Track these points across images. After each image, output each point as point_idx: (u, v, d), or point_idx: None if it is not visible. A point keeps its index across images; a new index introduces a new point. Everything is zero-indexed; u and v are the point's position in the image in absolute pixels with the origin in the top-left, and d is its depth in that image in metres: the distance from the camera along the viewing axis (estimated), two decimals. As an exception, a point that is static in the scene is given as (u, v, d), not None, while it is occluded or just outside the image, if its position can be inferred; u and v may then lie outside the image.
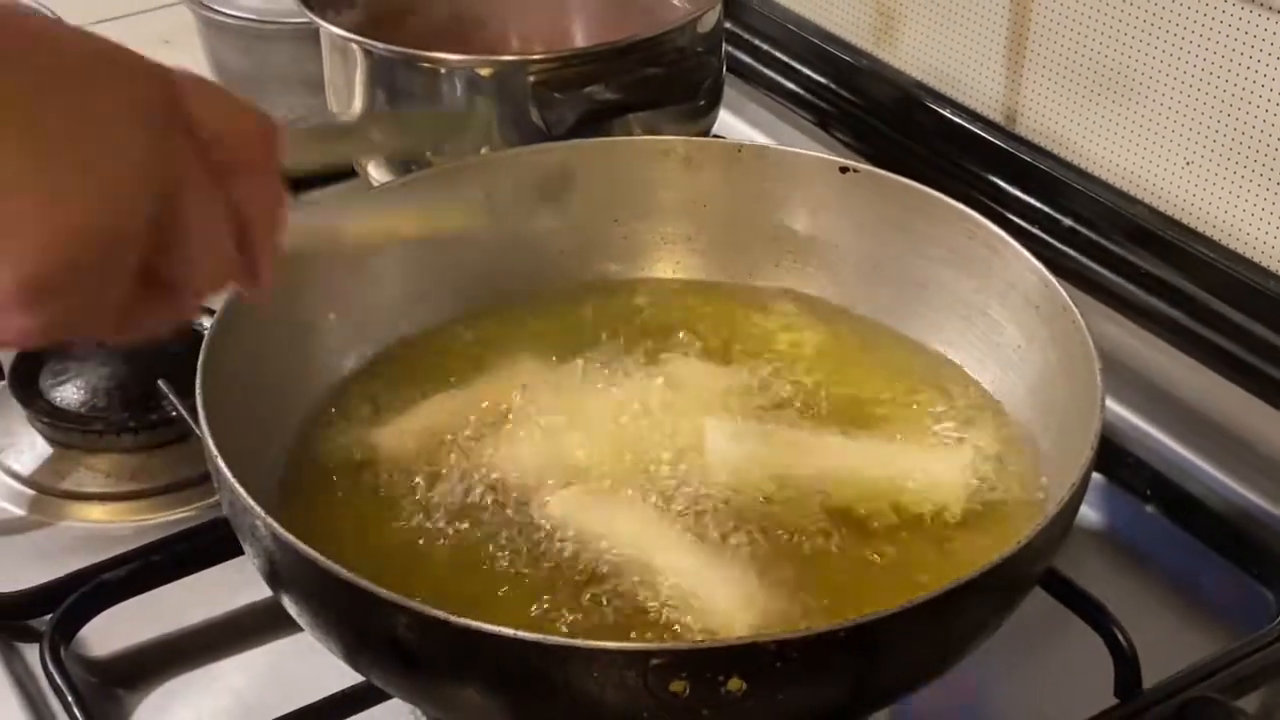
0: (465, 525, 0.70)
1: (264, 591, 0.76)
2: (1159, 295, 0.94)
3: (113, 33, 1.42)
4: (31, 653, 0.74)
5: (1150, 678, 0.70)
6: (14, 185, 0.50)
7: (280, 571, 0.62)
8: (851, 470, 0.73)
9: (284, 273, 0.73)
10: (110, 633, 0.77)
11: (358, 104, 0.97)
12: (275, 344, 0.75)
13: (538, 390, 0.77)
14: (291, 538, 0.59)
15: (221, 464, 0.62)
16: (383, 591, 0.58)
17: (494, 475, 0.73)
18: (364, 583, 0.58)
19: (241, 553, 0.76)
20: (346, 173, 1.05)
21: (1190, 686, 0.70)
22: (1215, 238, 0.92)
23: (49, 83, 0.53)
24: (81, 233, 0.52)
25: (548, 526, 0.70)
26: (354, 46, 0.95)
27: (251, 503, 0.60)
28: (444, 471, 0.73)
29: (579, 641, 0.60)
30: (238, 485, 0.61)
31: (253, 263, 0.60)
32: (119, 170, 0.53)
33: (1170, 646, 0.73)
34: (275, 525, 0.60)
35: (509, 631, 0.57)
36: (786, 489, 0.71)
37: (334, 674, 0.69)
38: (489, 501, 0.72)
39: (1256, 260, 0.90)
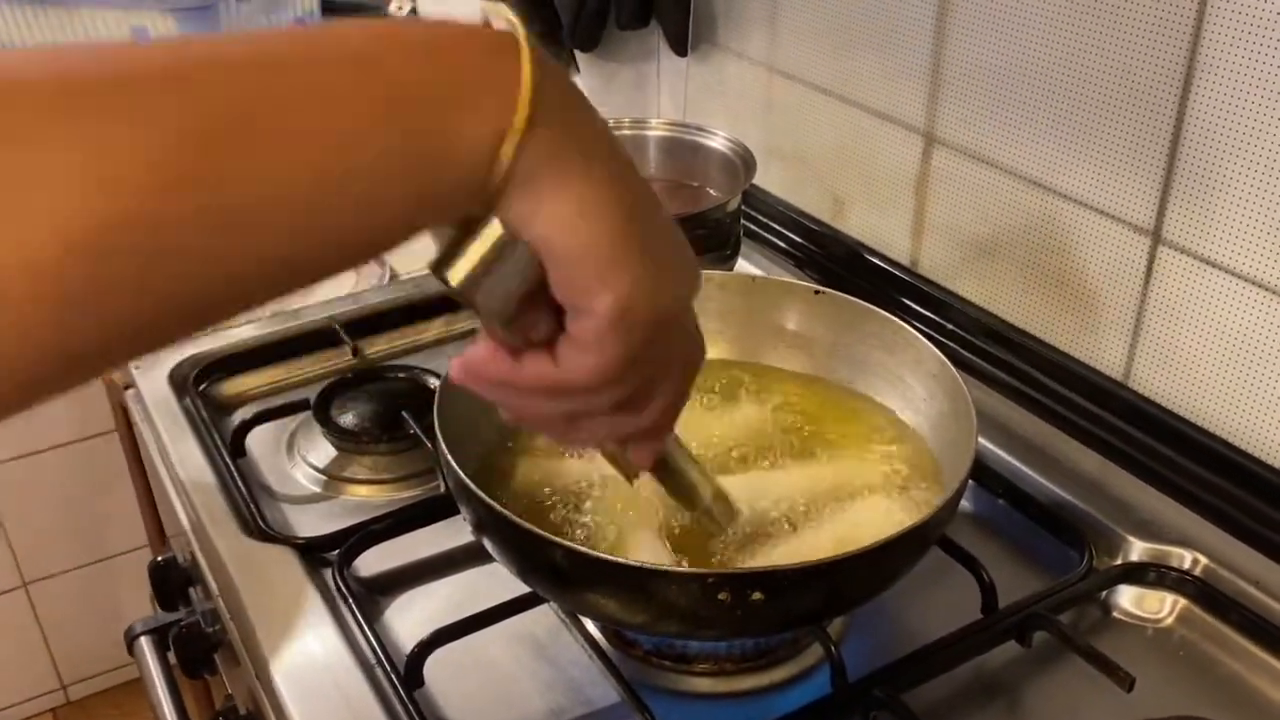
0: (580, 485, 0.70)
1: (463, 538, 0.78)
2: (1006, 371, 0.93)
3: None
4: (327, 572, 0.75)
5: (1003, 602, 0.71)
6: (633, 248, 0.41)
7: (483, 522, 0.63)
8: (819, 474, 0.73)
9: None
10: (373, 562, 0.78)
11: None
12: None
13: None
14: (491, 500, 0.60)
15: (449, 457, 0.63)
16: (547, 534, 0.59)
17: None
18: (535, 528, 0.59)
19: (448, 515, 0.78)
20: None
21: (1028, 607, 0.70)
22: (1036, 335, 0.92)
23: None
24: (651, 317, 0.42)
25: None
26: None
27: (466, 479, 0.61)
28: (572, 456, 0.73)
29: (665, 566, 0.61)
30: (459, 470, 0.62)
31: (652, 440, 0.53)
32: (678, 300, 0.45)
33: (1014, 585, 0.73)
34: (481, 493, 0.61)
35: (621, 559, 0.58)
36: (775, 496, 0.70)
37: (507, 589, 0.69)
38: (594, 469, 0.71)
39: (1060, 348, 0.90)
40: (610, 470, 0.57)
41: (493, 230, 0.40)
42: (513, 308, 0.42)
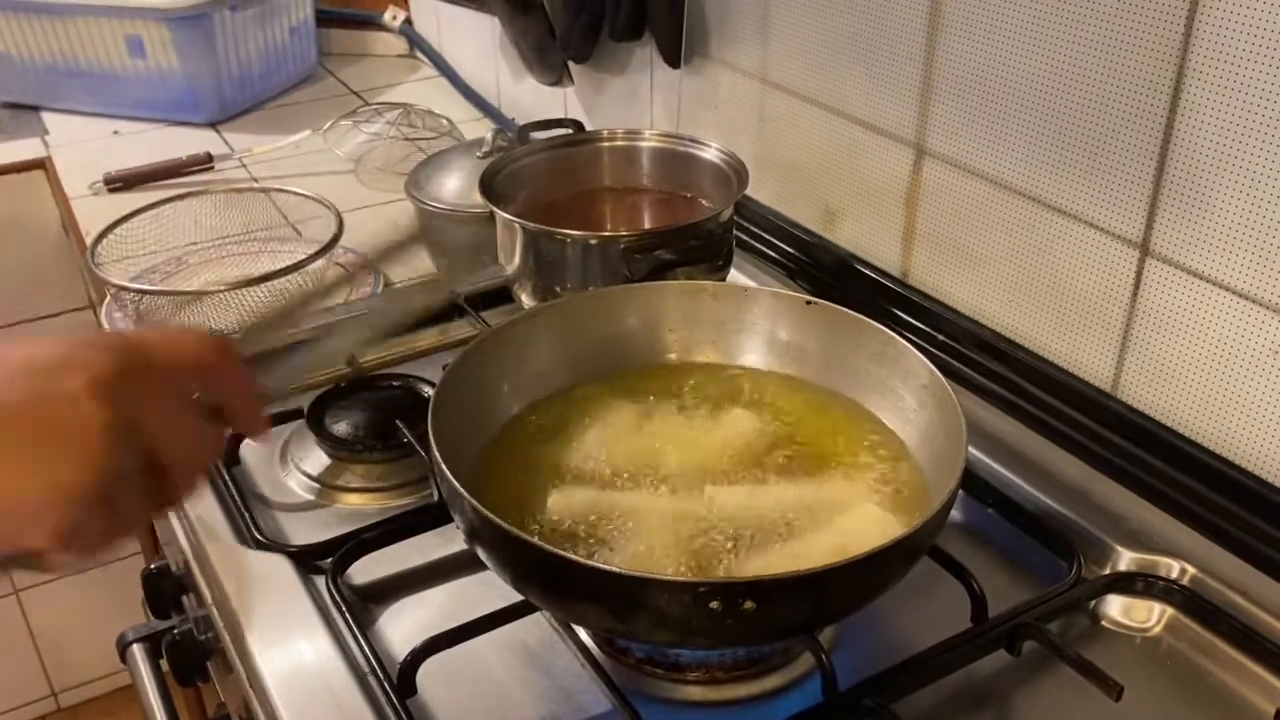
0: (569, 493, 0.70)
1: (456, 547, 0.78)
2: (996, 381, 0.94)
3: (362, 218, 1.43)
4: (320, 580, 0.76)
5: (992, 611, 0.71)
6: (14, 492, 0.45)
7: (476, 530, 0.63)
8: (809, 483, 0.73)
9: (481, 364, 0.75)
10: (366, 570, 0.78)
11: (516, 261, 0.97)
12: (471, 399, 0.76)
13: (623, 425, 0.77)
14: (484, 509, 0.60)
15: (444, 466, 0.64)
16: (539, 542, 0.59)
17: (604, 469, 0.73)
18: (529, 538, 0.59)
19: (441, 524, 0.78)
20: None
21: (1017, 616, 0.70)
22: (1026, 346, 0.93)
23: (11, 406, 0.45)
24: (76, 499, 0.46)
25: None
26: (516, 225, 0.95)
27: (461, 489, 0.62)
28: (566, 464, 0.74)
29: (656, 574, 0.61)
30: (452, 479, 0.63)
31: (247, 425, 0.55)
32: (85, 451, 0.46)
33: (1004, 594, 0.73)
34: (475, 502, 0.61)
35: (614, 568, 0.59)
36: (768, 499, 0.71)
37: (499, 598, 0.70)
38: (599, 480, 0.72)
39: (1049, 358, 0.91)
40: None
41: None
42: None
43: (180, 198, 1.29)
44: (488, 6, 1.43)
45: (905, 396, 0.76)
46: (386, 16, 1.90)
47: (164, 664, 0.86)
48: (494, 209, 0.95)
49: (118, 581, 1.78)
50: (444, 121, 1.52)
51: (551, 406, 0.80)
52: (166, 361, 0.50)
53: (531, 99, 1.55)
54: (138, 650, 0.87)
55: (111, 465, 0.46)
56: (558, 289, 0.94)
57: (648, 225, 1.06)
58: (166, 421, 0.49)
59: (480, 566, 0.70)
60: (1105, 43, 0.79)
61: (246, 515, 0.80)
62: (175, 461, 0.50)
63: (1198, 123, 0.75)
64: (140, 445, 0.48)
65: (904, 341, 0.77)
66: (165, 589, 0.90)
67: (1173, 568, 0.75)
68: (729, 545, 0.67)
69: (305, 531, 0.82)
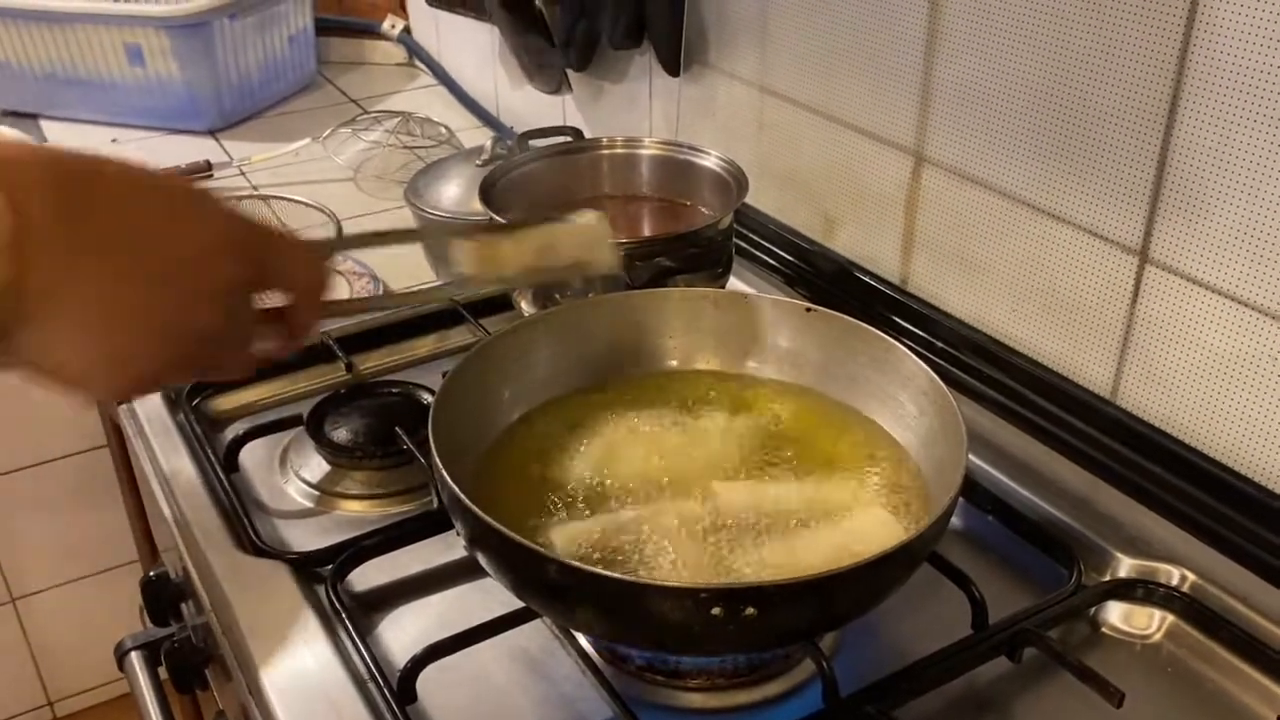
0: (584, 507, 0.70)
1: (455, 554, 0.78)
2: (995, 388, 0.94)
3: (360, 224, 1.43)
4: (320, 588, 0.75)
5: (993, 618, 0.71)
6: (103, 347, 0.45)
7: (477, 537, 0.63)
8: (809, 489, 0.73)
9: (482, 370, 0.74)
10: (366, 577, 0.78)
11: None
12: (471, 406, 0.75)
13: (622, 431, 0.77)
14: (486, 515, 0.60)
15: (444, 472, 0.64)
16: (542, 549, 0.59)
17: (605, 479, 0.73)
18: (530, 544, 0.59)
19: (441, 531, 0.78)
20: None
21: (1018, 622, 0.70)
22: (1025, 353, 0.93)
23: (137, 230, 0.45)
24: (145, 381, 0.48)
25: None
26: None
27: (462, 496, 0.62)
28: (567, 472, 0.74)
29: (658, 580, 0.61)
30: (454, 485, 0.62)
31: (294, 337, 0.57)
32: (182, 341, 0.48)
33: (1004, 601, 0.73)
34: (476, 509, 0.61)
35: (615, 575, 0.59)
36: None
37: (500, 605, 0.69)
38: (599, 491, 0.72)
39: (1048, 365, 0.91)
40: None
41: None
42: None
43: (179, 205, 1.29)
44: (487, 15, 1.43)
45: (905, 403, 0.76)
46: (385, 25, 1.90)
47: (162, 672, 0.86)
48: (494, 216, 0.95)
49: (112, 590, 1.78)
50: (442, 129, 1.52)
51: (551, 413, 0.80)
52: (279, 273, 0.53)
53: (530, 107, 1.55)
54: (136, 658, 0.87)
55: (186, 361, 0.49)
56: (558, 296, 0.94)
57: (648, 233, 1.06)
58: (245, 328, 0.53)
59: (480, 573, 0.70)
60: (1104, 50, 0.79)
61: (246, 522, 0.80)
62: (229, 357, 0.53)
63: (1196, 129, 0.75)
64: (218, 342, 0.50)
65: (903, 348, 0.77)
66: (164, 596, 0.90)
67: (1173, 574, 0.75)
68: (733, 548, 0.66)
69: (305, 538, 0.82)
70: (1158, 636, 0.73)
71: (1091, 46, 0.80)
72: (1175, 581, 0.75)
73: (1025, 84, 0.86)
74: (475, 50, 1.68)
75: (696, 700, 0.69)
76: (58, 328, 0.43)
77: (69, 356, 0.44)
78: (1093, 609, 0.75)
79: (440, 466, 0.64)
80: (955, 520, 0.81)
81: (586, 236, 0.72)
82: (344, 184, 1.47)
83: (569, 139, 1.14)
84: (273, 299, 0.54)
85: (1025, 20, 0.84)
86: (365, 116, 1.58)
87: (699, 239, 0.94)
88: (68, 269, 0.42)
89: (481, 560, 0.64)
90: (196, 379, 0.53)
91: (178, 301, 0.46)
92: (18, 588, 1.74)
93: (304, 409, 0.92)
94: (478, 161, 1.18)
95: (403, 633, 0.74)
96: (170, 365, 0.48)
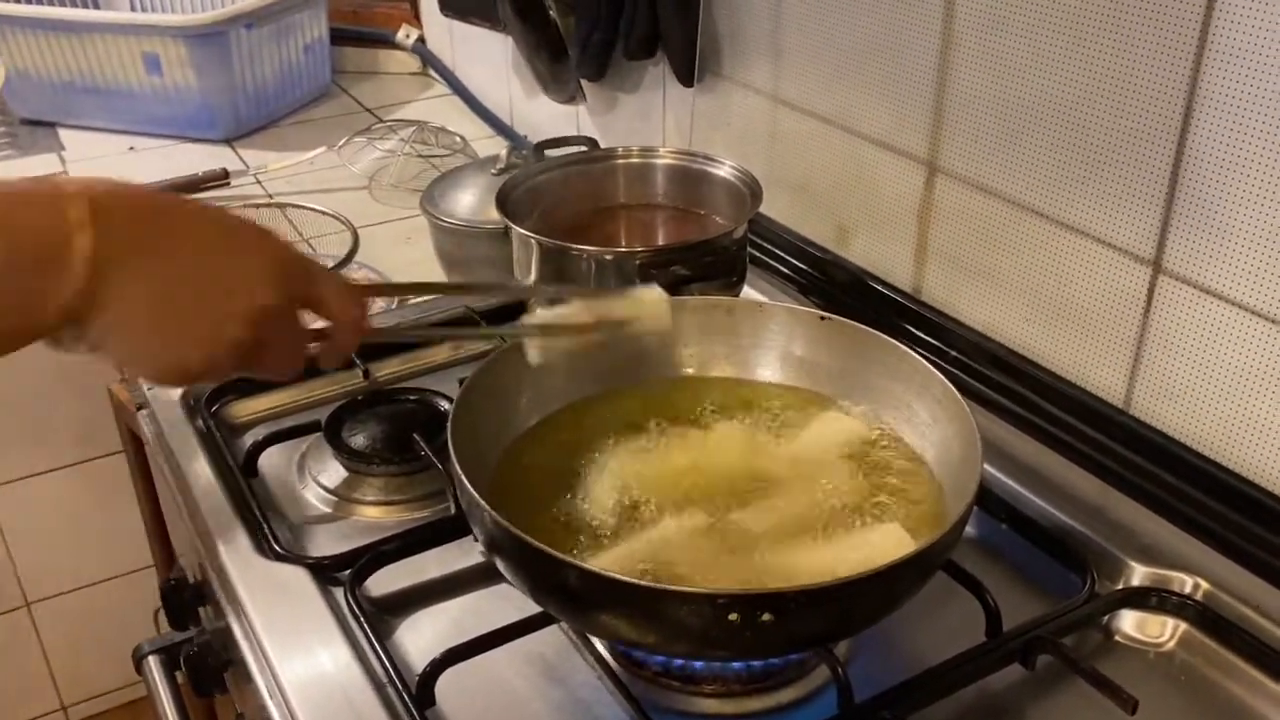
0: (589, 508, 0.71)
1: (472, 560, 0.79)
2: (1008, 397, 0.94)
3: (376, 233, 1.45)
4: (339, 592, 0.76)
5: (1007, 626, 0.71)
6: (152, 339, 0.54)
7: (496, 542, 0.63)
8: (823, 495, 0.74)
9: (500, 376, 0.75)
10: (384, 582, 0.78)
11: (533, 277, 0.97)
12: (489, 413, 0.76)
13: (640, 438, 0.78)
14: (505, 521, 0.61)
15: (464, 478, 0.64)
16: (561, 555, 0.59)
17: (621, 486, 0.73)
18: (550, 550, 0.60)
19: (459, 536, 0.79)
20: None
21: (1031, 630, 0.71)
22: (1038, 362, 0.93)
23: (199, 261, 0.55)
24: (192, 373, 0.56)
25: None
26: (532, 240, 0.95)
27: (481, 501, 0.62)
28: (584, 479, 0.74)
29: (674, 586, 0.62)
30: (473, 490, 0.63)
31: (333, 357, 0.63)
32: (230, 345, 0.55)
33: (1018, 609, 0.73)
34: (495, 514, 0.61)
35: (633, 579, 0.59)
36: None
37: (516, 610, 0.70)
38: (615, 498, 0.72)
39: (1062, 374, 0.91)
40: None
41: None
42: None
43: (197, 213, 1.30)
44: (501, 25, 1.44)
45: (919, 411, 0.77)
46: (400, 35, 1.91)
47: (179, 676, 0.87)
48: (510, 225, 0.96)
49: (127, 595, 1.79)
50: (457, 139, 1.53)
51: (568, 420, 0.80)
52: (319, 303, 0.60)
53: (544, 117, 1.56)
54: (153, 662, 0.88)
55: (231, 362, 0.57)
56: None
57: (662, 241, 1.07)
58: (289, 340, 0.60)
59: (498, 578, 0.71)
60: (1117, 60, 0.80)
61: (265, 527, 0.81)
62: (273, 362, 0.59)
63: (1209, 140, 0.75)
64: (260, 350, 0.57)
65: (918, 357, 0.77)
66: (184, 600, 0.91)
67: (1186, 583, 0.75)
68: (749, 555, 0.67)
69: (323, 543, 0.83)
70: (1171, 644, 0.74)
71: (1105, 57, 0.80)
72: (1188, 589, 0.75)
73: (1038, 94, 0.86)
74: (489, 60, 1.69)
75: (712, 706, 0.69)
76: (118, 323, 0.53)
77: (124, 348, 0.54)
78: (1106, 617, 0.75)
79: (459, 472, 0.64)
80: (969, 528, 0.81)
81: (648, 309, 0.76)
82: (359, 192, 1.48)
83: (584, 148, 1.15)
84: (317, 320, 0.62)
85: (1039, 31, 0.84)
86: (380, 125, 1.59)
87: (714, 248, 0.95)
88: (132, 281, 0.52)
89: (499, 565, 0.65)
90: (244, 375, 0.61)
91: (213, 317, 0.55)
92: (32, 592, 1.75)
93: (322, 415, 0.92)
94: (493, 170, 1.19)
95: (420, 637, 0.74)
96: (210, 366, 0.56)
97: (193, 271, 0.54)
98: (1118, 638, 0.74)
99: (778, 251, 1.17)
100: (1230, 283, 0.77)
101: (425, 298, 1.10)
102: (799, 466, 0.75)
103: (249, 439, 0.93)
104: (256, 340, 0.57)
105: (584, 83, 1.41)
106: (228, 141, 1.66)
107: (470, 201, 1.15)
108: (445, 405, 0.93)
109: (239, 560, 0.79)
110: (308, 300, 0.60)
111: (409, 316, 1.08)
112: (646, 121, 1.37)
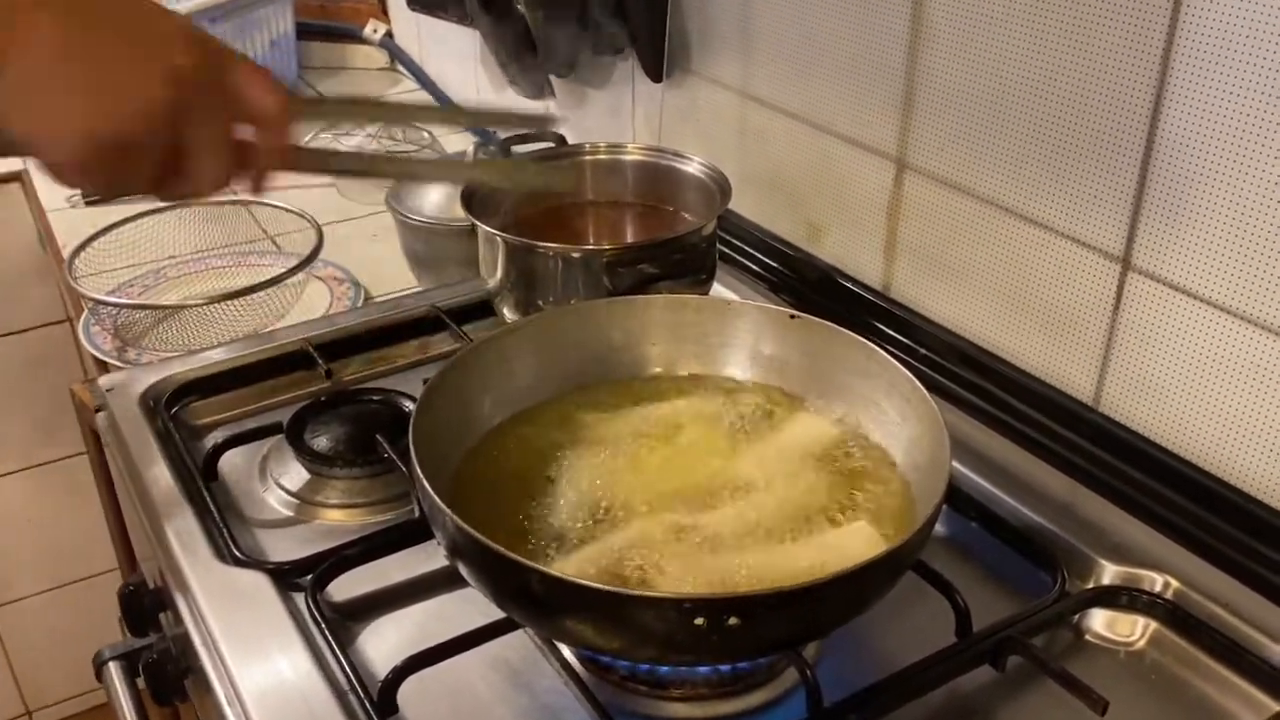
0: (554, 511, 0.70)
1: (437, 564, 0.77)
2: (977, 394, 0.94)
3: (341, 230, 1.44)
4: (300, 598, 0.75)
5: (976, 626, 0.71)
6: (66, 89, 0.49)
7: (458, 547, 0.62)
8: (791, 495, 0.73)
9: (463, 377, 0.74)
10: (346, 586, 0.77)
11: (498, 275, 0.96)
12: (453, 414, 0.75)
13: (604, 438, 0.77)
14: (466, 525, 0.60)
15: (425, 481, 0.63)
16: (524, 560, 0.58)
17: (586, 488, 0.72)
18: (512, 555, 0.58)
19: (422, 540, 0.78)
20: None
21: (1001, 630, 0.70)
22: (1007, 359, 0.93)
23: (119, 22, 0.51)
24: (106, 139, 0.51)
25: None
26: (498, 238, 0.94)
27: (442, 505, 0.61)
28: (550, 481, 0.73)
29: (640, 591, 0.61)
30: (434, 494, 0.62)
31: (255, 179, 0.59)
32: (147, 103, 0.51)
33: (987, 608, 0.73)
34: (457, 518, 0.60)
35: (597, 584, 0.58)
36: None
37: (481, 615, 0.69)
38: (580, 500, 0.71)
39: (1031, 372, 0.91)
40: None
41: None
42: None
43: (159, 211, 1.28)
44: (469, 20, 1.43)
45: (888, 410, 0.76)
46: (367, 30, 1.90)
47: (140, 682, 0.85)
48: (476, 222, 0.95)
49: (91, 599, 1.76)
50: (424, 135, 1.51)
51: (533, 421, 0.79)
52: (239, 90, 0.55)
53: (513, 112, 1.55)
54: (113, 669, 0.86)
55: (144, 137, 0.51)
56: (540, 302, 0.93)
57: (630, 239, 1.06)
58: (209, 141, 0.54)
59: (461, 583, 0.69)
60: (1086, 56, 0.79)
61: (225, 531, 0.80)
62: (195, 158, 0.54)
63: (1179, 136, 0.75)
64: (179, 129, 0.53)
65: (886, 355, 0.76)
66: (143, 606, 0.89)
67: (1156, 581, 0.75)
68: (717, 558, 0.66)
69: (284, 548, 0.81)
70: (1141, 643, 0.73)
71: (1074, 53, 0.80)
72: (1158, 588, 0.75)
73: (1007, 91, 0.86)
74: (457, 55, 1.68)
75: (680, 710, 0.69)
76: (26, 74, 0.49)
77: (29, 107, 0.49)
78: (1076, 616, 0.74)
79: (421, 475, 0.63)
80: (938, 527, 0.81)
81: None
82: (325, 189, 1.46)
83: (552, 144, 1.14)
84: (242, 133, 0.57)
85: (1007, 28, 0.84)
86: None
87: (682, 245, 0.94)
88: (48, 23, 0.48)
89: (462, 570, 0.64)
90: (160, 189, 0.55)
91: (131, 62, 0.51)
92: (-5, 597, 1.72)
93: (284, 417, 0.91)
94: (460, 167, 1.17)
95: (383, 643, 0.73)
96: (125, 136, 0.51)
97: (111, 15, 0.51)
98: (1088, 637, 0.74)
99: (747, 249, 1.17)
100: (1199, 279, 0.77)
101: (388, 294, 1.09)
102: (767, 466, 0.74)
103: (209, 441, 0.91)
104: (174, 108, 0.52)
105: (552, 78, 1.40)
106: (192, 138, 1.63)
107: (437, 199, 1.14)
108: (409, 406, 0.92)
109: (198, 565, 0.77)
110: (225, 85, 0.55)
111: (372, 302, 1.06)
112: (615, 117, 1.36)
